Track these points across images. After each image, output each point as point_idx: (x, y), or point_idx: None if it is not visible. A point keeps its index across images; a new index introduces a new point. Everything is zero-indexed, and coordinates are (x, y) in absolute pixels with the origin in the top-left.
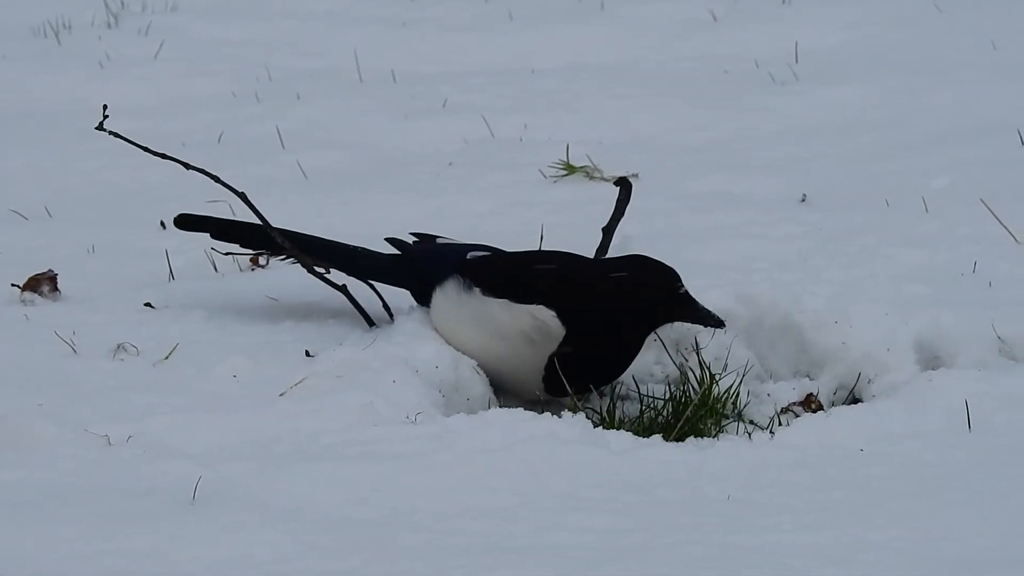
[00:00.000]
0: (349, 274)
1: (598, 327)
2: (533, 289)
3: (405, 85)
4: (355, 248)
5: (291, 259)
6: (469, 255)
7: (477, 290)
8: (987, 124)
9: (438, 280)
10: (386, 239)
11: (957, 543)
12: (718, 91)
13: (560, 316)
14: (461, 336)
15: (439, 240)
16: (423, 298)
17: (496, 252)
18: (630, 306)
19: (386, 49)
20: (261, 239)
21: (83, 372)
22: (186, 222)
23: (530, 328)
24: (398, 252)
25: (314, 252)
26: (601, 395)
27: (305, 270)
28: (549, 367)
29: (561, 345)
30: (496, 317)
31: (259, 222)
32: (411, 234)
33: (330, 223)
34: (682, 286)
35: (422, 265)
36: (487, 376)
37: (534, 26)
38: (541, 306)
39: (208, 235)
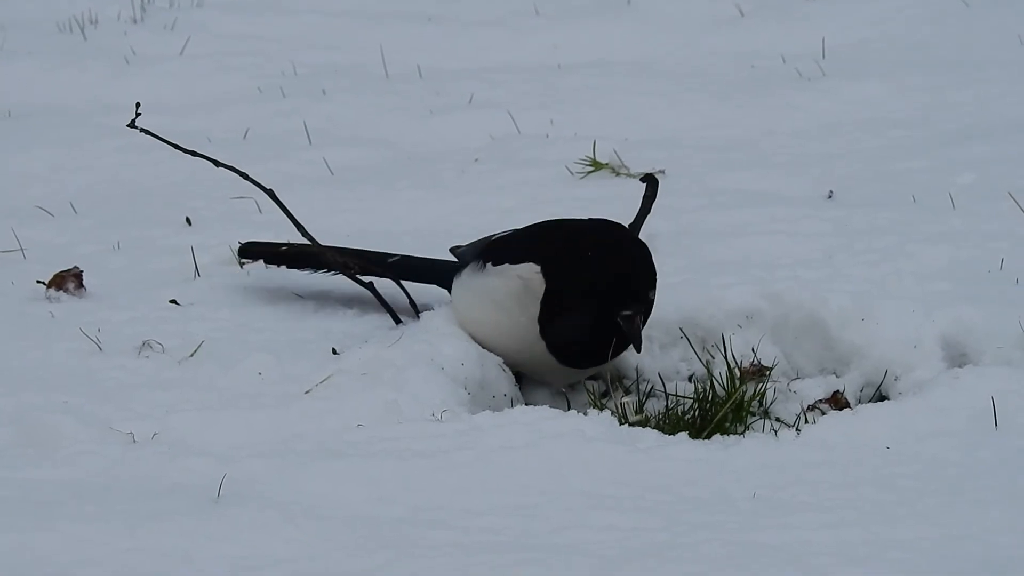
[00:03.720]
0: (403, 279)
1: (576, 281)
2: (527, 251)
3: (431, 81)
4: (408, 256)
5: (334, 272)
6: (493, 236)
7: (488, 265)
8: (1014, 120)
9: (460, 267)
10: (450, 249)
11: (983, 541)
12: (744, 87)
13: (543, 271)
14: (471, 314)
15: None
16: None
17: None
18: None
19: (412, 45)
20: (317, 261)
21: (108, 369)
22: (249, 251)
23: (519, 290)
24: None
25: (366, 262)
26: (619, 389)
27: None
28: (541, 329)
29: (544, 300)
30: (494, 286)
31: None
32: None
33: (355, 219)
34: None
35: (464, 258)
36: (506, 364)
37: (560, 22)
38: (528, 263)
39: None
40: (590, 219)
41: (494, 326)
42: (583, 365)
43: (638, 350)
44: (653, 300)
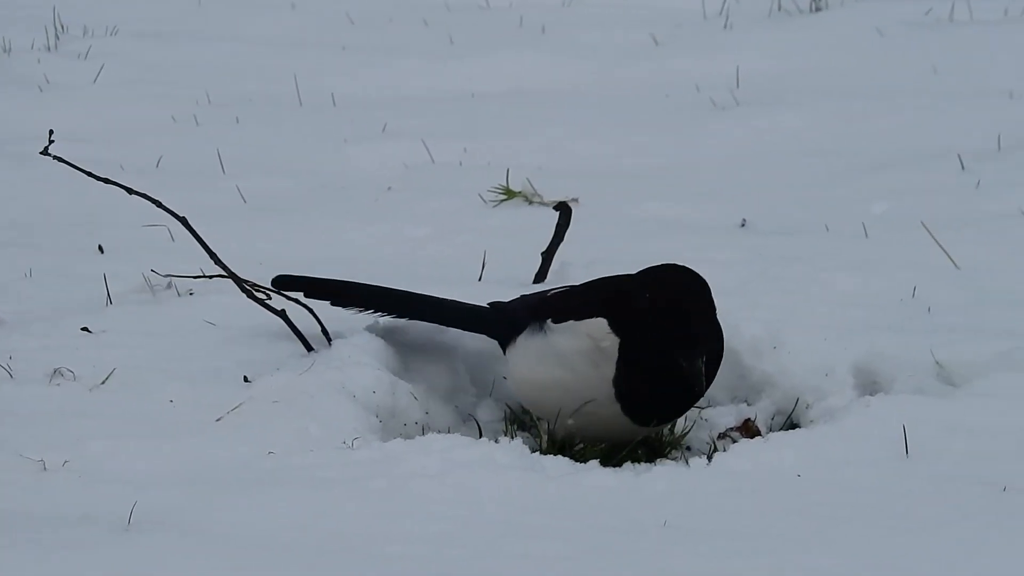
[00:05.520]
0: (437, 323)
1: (647, 336)
2: (592, 307)
3: (345, 109)
4: (442, 300)
5: (376, 313)
6: (550, 292)
7: (548, 321)
8: (927, 149)
9: (520, 327)
10: (490, 304)
11: (895, 569)
12: (659, 116)
13: (612, 326)
14: (533, 377)
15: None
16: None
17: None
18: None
19: (325, 73)
20: (360, 298)
21: (19, 397)
22: (285, 283)
23: (589, 348)
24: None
25: (396, 303)
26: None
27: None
28: (618, 389)
29: (618, 360)
30: (559, 344)
31: (350, 282)
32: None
33: (269, 248)
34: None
35: (515, 312)
36: (573, 426)
37: (475, 51)
38: (596, 319)
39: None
40: (650, 268)
41: (557, 386)
42: (660, 422)
43: (701, 393)
44: (714, 341)
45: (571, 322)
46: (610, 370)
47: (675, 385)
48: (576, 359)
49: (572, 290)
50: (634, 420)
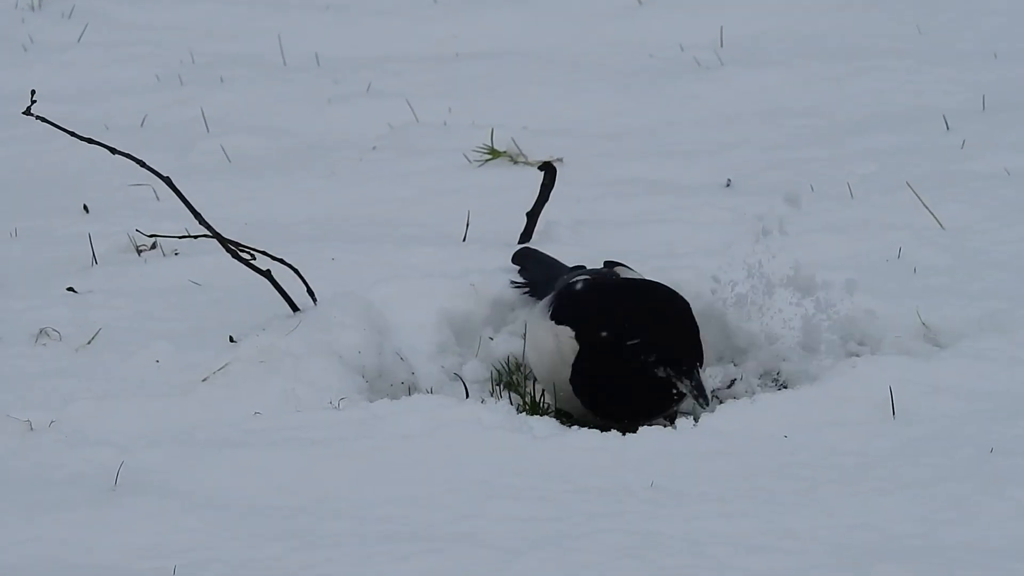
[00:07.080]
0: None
1: (607, 352)
2: (569, 310)
3: (329, 69)
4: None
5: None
6: (574, 278)
7: (546, 310)
8: (913, 110)
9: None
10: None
11: (879, 530)
12: (643, 76)
13: (577, 337)
14: (528, 350)
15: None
16: None
17: (606, 277)
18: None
19: (309, 33)
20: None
21: (4, 358)
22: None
23: (555, 348)
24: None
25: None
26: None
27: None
28: (574, 387)
29: (575, 363)
30: (540, 336)
31: None
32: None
33: (253, 207)
34: (684, 365)
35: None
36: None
37: (458, 11)
38: (565, 327)
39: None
40: (638, 281)
41: (539, 368)
42: (623, 420)
43: (705, 404)
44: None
45: (552, 322)
46: (567, 371)
47: (638, 394)
48: (546, 353)
49: (583, 286)
50: (597, 415)
